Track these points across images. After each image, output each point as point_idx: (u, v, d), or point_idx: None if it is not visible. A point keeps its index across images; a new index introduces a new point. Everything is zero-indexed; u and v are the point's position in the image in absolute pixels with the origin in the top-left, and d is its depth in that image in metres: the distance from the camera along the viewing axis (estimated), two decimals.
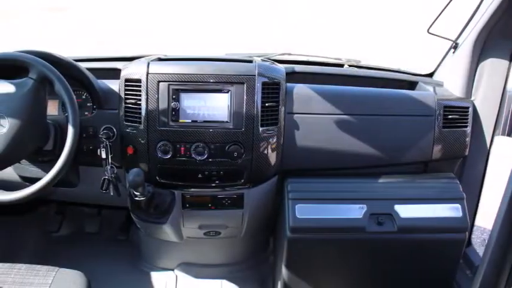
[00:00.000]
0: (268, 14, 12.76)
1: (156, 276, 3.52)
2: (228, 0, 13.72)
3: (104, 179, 2.65)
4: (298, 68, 3.01)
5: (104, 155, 2.64)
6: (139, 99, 2.60)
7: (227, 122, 2.61)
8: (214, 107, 2.61)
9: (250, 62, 2.74)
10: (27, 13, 12.78)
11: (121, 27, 11.31)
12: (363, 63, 3.28)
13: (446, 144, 2.87)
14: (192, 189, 2.79)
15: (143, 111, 2.59)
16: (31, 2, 13.65)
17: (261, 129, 2.62)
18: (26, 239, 3.71)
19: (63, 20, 12.32)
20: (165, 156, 2.62)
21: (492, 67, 2.94)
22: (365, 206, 2.73)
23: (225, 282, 3.44)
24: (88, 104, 2.77)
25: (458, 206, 2.75)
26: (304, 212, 2.72)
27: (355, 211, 2.73)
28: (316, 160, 2.81)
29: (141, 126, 2.60)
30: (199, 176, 2.69)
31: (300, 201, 2.75)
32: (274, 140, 2.68)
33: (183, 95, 2.59)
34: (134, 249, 3.72)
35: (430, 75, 3.28)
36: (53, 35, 10.68)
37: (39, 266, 2.44)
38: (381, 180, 2.87)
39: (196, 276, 3.48)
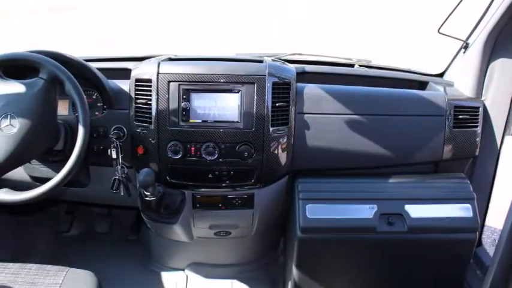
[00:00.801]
0: (278, 13, 12.75)
1: (166, 276, 3.51)
2: (237, 1, 13.72)
3: (115, 179, 2.63)
4: (309, 68, 2.98)
5: (114, 155, 2.63)
6: (150, 99, 2.59)
7: (237, 122, 2.59)
8: (225, 107, 2.59)
9: (261, 62, 2.73)
10: (27, 13, 12.77)
11: (125, 28, 11.29)
12: (374, 63, 3.27)
13: (457, 144, 2.84)
14: (203, 189, 2.78)
15: (154, 111, 2.58)
16: (30, 3, 13.65)
17: (271, 129, 2.60)
18: (36, 239, 3.70)
19: (63, 20, 12.30)
20: (176, 156, 2.60)
21: (502, 67, 2.91)
22: (375, 206, 2.71)
23: (235, 282, 3.43)
24: (98, 104, 2.76)
25: (468, 206, 2.73)
26: (315, 212, 2.70)
27: (366, 211, 2.71)
28: (327, 160, 2.79)
29: (152, 126, 2.59)
30: (210, 176, 2.68)
31: (310, 201, 2.73)
32: (285, 140, 2.66)
33: (193, 95, 2.58)
34: (144, 249, 3.72)
35: (441, 75, 3.25)
36: (53, 36, 10.67)
37: (49, 266, 2.42)
38: (391, 180, 2.84)
39: (207, 276, 3.47)
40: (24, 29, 11.24)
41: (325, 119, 2.74)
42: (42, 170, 2.72)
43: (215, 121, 2.60)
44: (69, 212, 3.92)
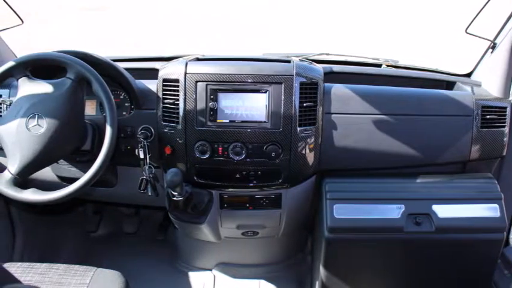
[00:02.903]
0: (305, 14, 12.78)
1: (194, 276, 3.50)
2: (264, 2, 13.77)
3: (142, 179, 2.61)
4: (336, 68, 2.92)
5: (141, 155, 2.59)
6: (177, 99, 2.54)
7: (265, 122, 2.53)
8: (252, 107, 2.54)
9: (288, 62, 2.67)
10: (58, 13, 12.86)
11: (152, 28, 11.36)
12: (401, 63, 3.22)
13: (485, 144, 2.77)
14: (230, 189, 2.73)
15: (181, 111, 2.53)
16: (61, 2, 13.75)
17: (299, 129, 2.54)
18: (64, 238, 3.70)
19: (95, 20, 12.39)
20: (203, 156, 2.56)
21: None
22: (403, 206, 2.65)
23: (263, 282, 3.40)
24: (126, 104, 2.72)
25: (496, 206, 2.67)
26: (342, 212, 2.65)
27: (393, 211, 2.64)
28: (354, 160, 2.73)
29: (179, 126, 2.54)
30: (237, 176, 2.63)
31: (337, 201, 2.67)
32: (312, 140, 2.60)
33: (221, 95, 2.53)
34: (172, 249, 3.71)
35: (468, 75, 3.17)
36: (86, 35, 10.76)
37: (77, 265, 2.41)
38: (418, 180, 2.78)
39: (234, 276, 3.46)
40: (56, 29, 11.30)
41: (352, 119, 2.68)
42: (69, 170, 2.69)
43: (242, 121, 2.55)
44: (96, 212, 3.93)
